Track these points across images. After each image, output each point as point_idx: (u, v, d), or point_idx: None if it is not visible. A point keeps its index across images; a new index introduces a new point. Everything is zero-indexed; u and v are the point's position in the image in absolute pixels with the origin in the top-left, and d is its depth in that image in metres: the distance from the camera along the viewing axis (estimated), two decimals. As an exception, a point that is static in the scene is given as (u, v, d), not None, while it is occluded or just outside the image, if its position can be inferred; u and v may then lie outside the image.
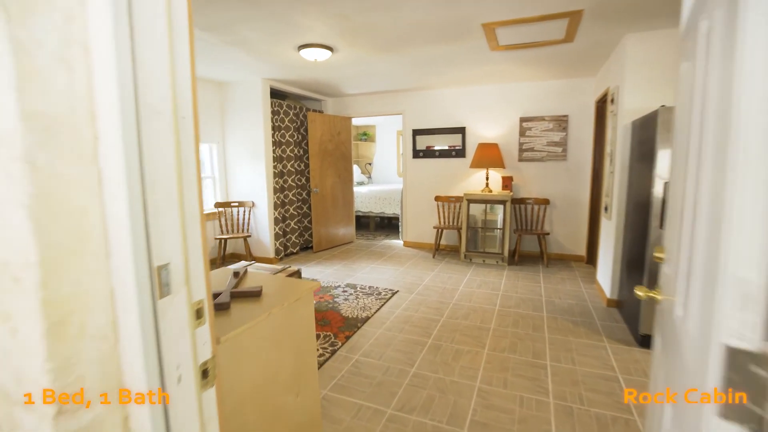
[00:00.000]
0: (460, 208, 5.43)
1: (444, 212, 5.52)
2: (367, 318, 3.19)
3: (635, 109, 3.17)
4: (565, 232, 4.99)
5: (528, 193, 5.11)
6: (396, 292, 3.81)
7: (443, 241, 5.65)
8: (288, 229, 5.32)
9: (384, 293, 3.76)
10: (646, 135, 2.73)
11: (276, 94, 5.45)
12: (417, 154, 5.66)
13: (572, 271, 4.51)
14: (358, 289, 3.90)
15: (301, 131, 5.53)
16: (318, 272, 4.55)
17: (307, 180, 5.70)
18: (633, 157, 3.12)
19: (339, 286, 4.00)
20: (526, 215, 5.08)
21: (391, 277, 4.33)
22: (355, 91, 5.55)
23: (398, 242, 6.16)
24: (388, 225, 7.70)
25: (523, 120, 4.99)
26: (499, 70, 4.32)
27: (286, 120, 5.19)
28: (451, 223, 5.34)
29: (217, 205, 4.88)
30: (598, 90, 4.43)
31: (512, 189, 5.12)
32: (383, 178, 8.63)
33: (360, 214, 7.05)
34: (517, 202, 5.04)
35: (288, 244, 5.33)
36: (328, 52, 3.46)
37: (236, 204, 4.96)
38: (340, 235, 5.94)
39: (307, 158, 5.65)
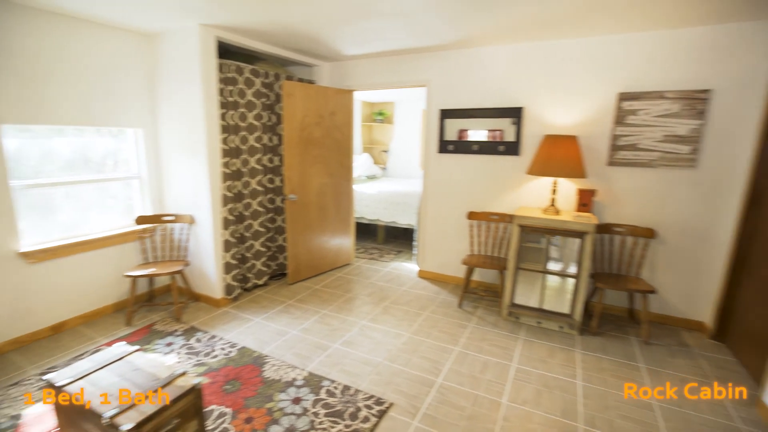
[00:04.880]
0: (506, 234, 3.60)
1: (481, 237, 3.70)
2: None
3: None
4: (676, 283, 3.07)
5: (619, 218, 3.19)
6: (386, 411, 2.11)
7: (477, 276, 3.86)
8: (251, 254, 3.70)
9: (366, 413, 2.08)
10: None
11: (239, 55, 3.72)
12: (444, 146, 3.81)
13: (689, 351, 2.65)
14: (323, 394, 2.22)
15: (276, 110, 3.81)
16: (275, 332, 2.92)
17: (283, 182, 4.02)
18: None
19: (294, 381, 2.34)
20: (613, 253, 3.20)
21: (389, 356, 2.63)
22: (356, 50, 3.72)
23: (412, 268, 4.42)
24: (403, 235, 5.94)
25: (623, 97, 3.02)
26: (591, 10, 2.37)
27: (249, 93, 3.47)
28: (490, 255, 3.53)
29: (141, 220, 3.28)
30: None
31: (594, 210, 3.23)
32: (403, 170, 6.81)
33: (364, 221, 5.33)
34: (602, 230, 3.15)
35: (250, 274, 3.71)
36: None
37: (171, 218, 3.37)
38: (330, 256, 4.27)
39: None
